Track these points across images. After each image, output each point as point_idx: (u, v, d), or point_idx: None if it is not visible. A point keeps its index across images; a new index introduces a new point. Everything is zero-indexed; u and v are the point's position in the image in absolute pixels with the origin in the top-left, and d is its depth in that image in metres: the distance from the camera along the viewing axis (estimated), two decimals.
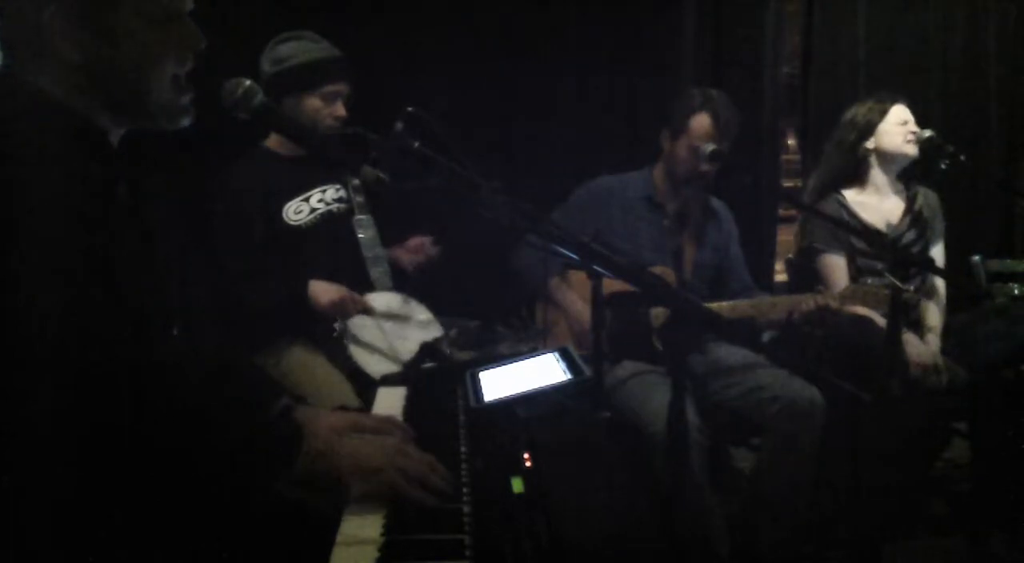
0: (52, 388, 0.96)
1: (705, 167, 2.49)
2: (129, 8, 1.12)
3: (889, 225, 2.76)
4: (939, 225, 2.87)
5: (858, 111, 2.80)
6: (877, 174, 2.79)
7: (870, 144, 2.77)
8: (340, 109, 2.36)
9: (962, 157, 2.66)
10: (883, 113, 2.75)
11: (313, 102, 2.33)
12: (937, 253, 2.84)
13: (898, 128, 2.73)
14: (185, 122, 1.22)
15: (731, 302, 2.51)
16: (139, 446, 1.02)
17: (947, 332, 2.75)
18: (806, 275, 2.80)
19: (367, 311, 2.28)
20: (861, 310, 2.57)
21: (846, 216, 2.73)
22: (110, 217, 1.09)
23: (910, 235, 2.79)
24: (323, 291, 2.24)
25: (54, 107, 1.11)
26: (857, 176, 2.80)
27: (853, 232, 2.64)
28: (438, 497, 1.16)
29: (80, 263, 1.01)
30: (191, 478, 1.06)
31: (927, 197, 2.86)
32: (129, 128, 1.21)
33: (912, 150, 2.72)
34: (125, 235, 1.11)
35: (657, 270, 2.43)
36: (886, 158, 2.76)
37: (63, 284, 0.99)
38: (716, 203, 2.74)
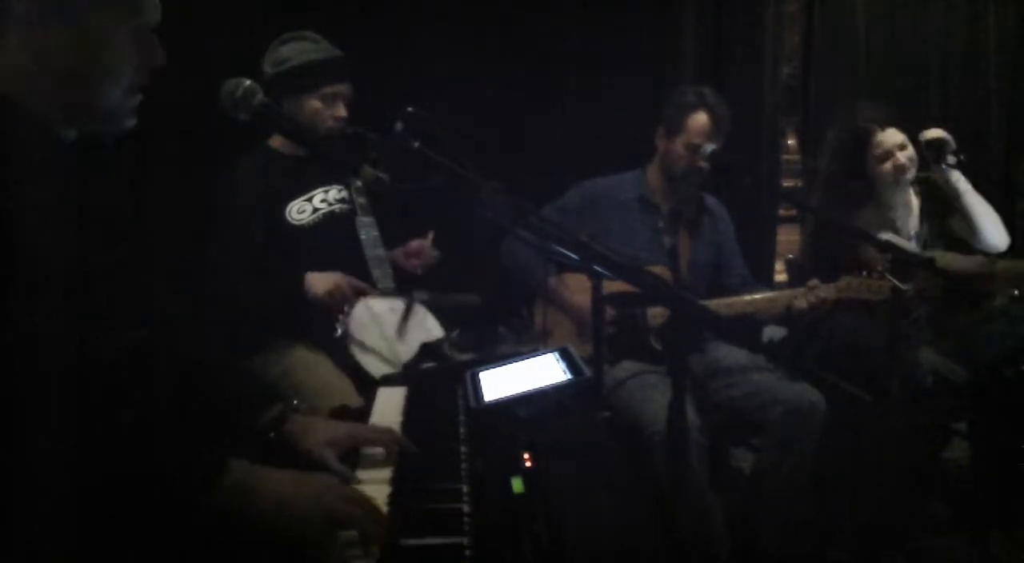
0: (21, 400, 0.93)
1: (702, 163, 2.51)
2: (99, 5, 1.12)
3: (907, 235, 2.74)
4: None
5: (840, 142, 2.75)
6: (885, 195, 2.75)
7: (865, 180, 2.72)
8: (341, 110, 2.36)
9: (962, 157, 2.67)
10: (867, 142, 2.70)
11: (313, 103, 2.33)
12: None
13: (889, 163, 2.69)
14: (129, 125, 1.21)
15: (728, 299, 2.51)
16: (103, 456, 0.98)
17: (948, 333, 2.75)
18: (806, 274, 2.79)
19: (363, 292, 2.26)
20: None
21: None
22: (68, 221, 1.06)
23: (924, 231, 2.78)
24: (319, 280, 2.22)
25: (15, 106, 1.10)
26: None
27: (874, 243, 2.59)
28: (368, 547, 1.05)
29: (37, 268, 0.98)
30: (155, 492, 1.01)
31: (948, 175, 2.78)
32: (79, 132, 1.20)
33: (913, 168, 2.71)
34: (87, 240, 1.09)
35: (655, 270, 2.44)
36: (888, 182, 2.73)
37: (19, 291, 0.96)
38: (710, 200, 2.75)
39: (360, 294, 2.26)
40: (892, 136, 2.72)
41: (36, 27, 1.09)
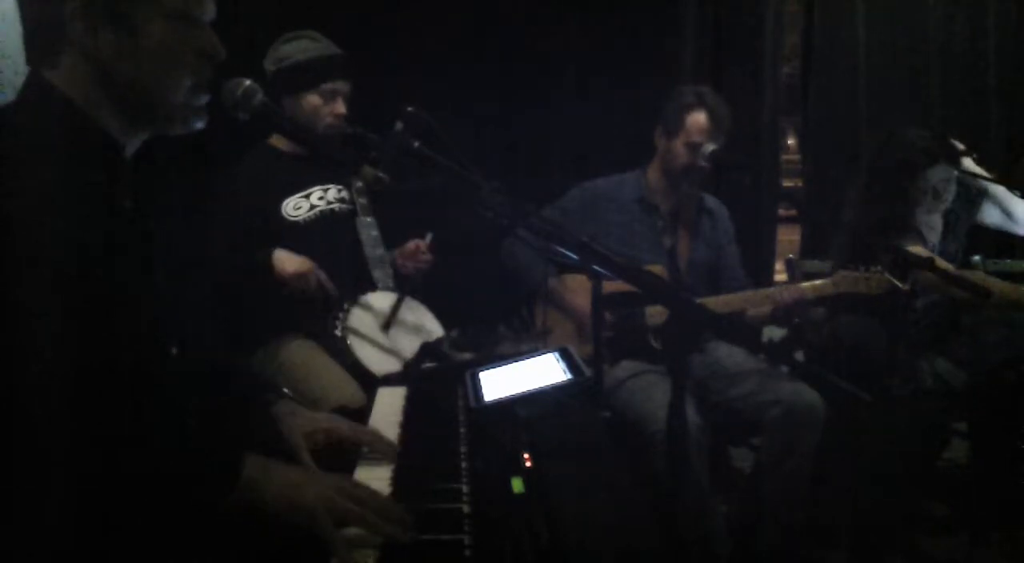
0: (44, 406, 0.93)
1: (702, 163, 2.52)
2: (149, 2, 1.11)
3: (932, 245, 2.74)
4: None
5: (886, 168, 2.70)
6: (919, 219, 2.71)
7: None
8: (340, 107, 2.37)
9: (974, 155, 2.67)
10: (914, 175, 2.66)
11: (312, 100, 2.34)
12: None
13: (930, 196, 2.67)
14: (199, 125, 1.20)
15: (723, 296, 2.52)
16: (127, 461, 0.99)
17: (949, 336, 2.75)
18: (806, 274, 2.79)
19: (328, 293, 2.23)
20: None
21: None
22: (112, 233, 1.06)
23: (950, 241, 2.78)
24: (289, 261, 2.20)
25: (75, 115, 1.10)
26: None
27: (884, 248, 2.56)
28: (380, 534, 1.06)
29: (78, 281, 0.98)
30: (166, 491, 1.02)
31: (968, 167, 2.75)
32: (144, 139, 1.20)
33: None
34: (125, 252, 1.09)
35: (654, 270, 2.44)
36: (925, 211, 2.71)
37: (59, 302, 0.96)
38: (711, 201, 2.75)
39: (325, 293, 2.23)
40: (940, 172, 2.67)
41: (85, 39, 1.09)
